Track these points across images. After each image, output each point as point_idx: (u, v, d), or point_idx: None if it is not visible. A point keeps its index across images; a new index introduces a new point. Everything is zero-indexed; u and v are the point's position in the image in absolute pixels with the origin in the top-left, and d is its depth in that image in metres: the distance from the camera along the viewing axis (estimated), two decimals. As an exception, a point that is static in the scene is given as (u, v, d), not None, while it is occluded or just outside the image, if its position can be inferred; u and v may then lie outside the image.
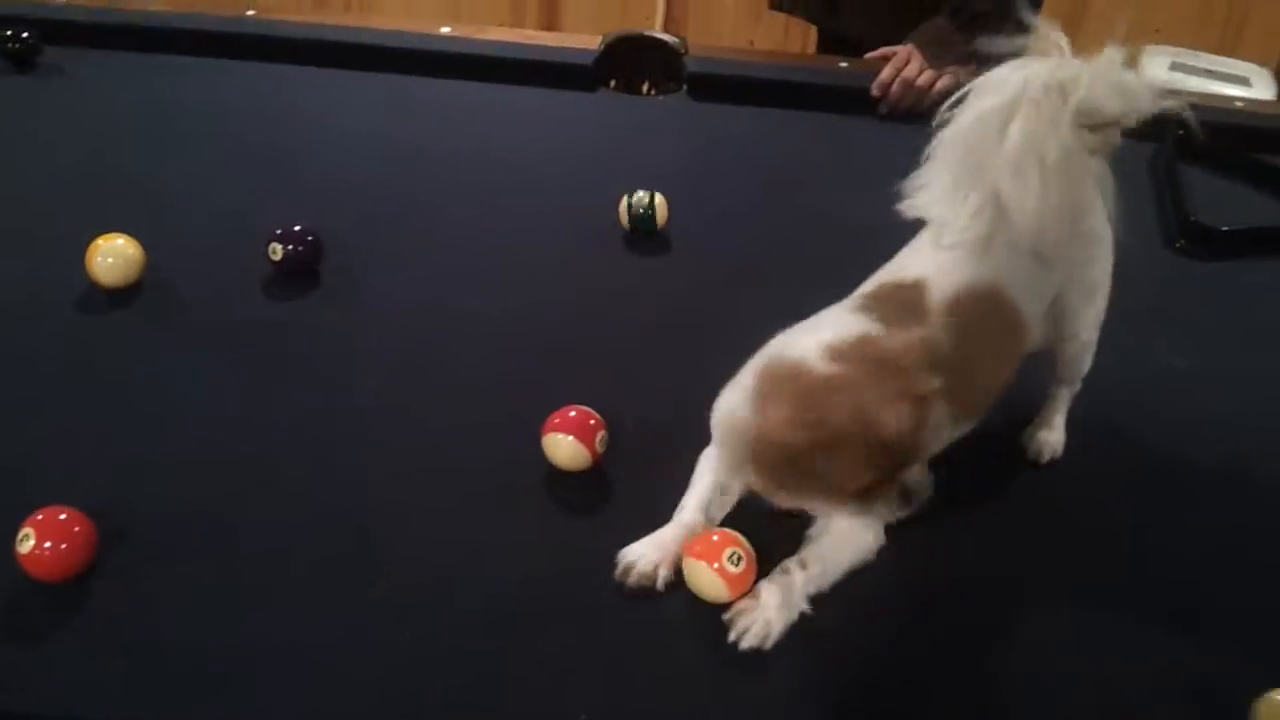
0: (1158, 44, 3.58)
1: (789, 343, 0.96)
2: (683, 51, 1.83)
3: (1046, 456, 1.16)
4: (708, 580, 0.95)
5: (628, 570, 0.98)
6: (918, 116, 1.74)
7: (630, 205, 1.46)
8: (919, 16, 1.88)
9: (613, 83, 1.84)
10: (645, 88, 1.85)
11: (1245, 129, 1.80)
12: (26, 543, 0.92)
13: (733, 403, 0.96)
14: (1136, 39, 3.69)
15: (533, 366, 1.25)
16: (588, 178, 1.62)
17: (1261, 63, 3.62)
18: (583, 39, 1.89)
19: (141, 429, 1.13)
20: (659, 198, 1.46)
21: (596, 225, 1.50)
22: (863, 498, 0.92)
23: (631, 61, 1.84)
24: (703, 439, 1.07)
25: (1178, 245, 1.53)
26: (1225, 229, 1.52)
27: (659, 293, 1.38)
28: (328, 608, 0.95)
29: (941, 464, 1.03)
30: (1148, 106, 1.02)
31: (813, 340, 0.93)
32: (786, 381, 0.91)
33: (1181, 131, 1.72)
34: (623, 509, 1.06)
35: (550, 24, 3.88)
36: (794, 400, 0.89)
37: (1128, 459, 1.19)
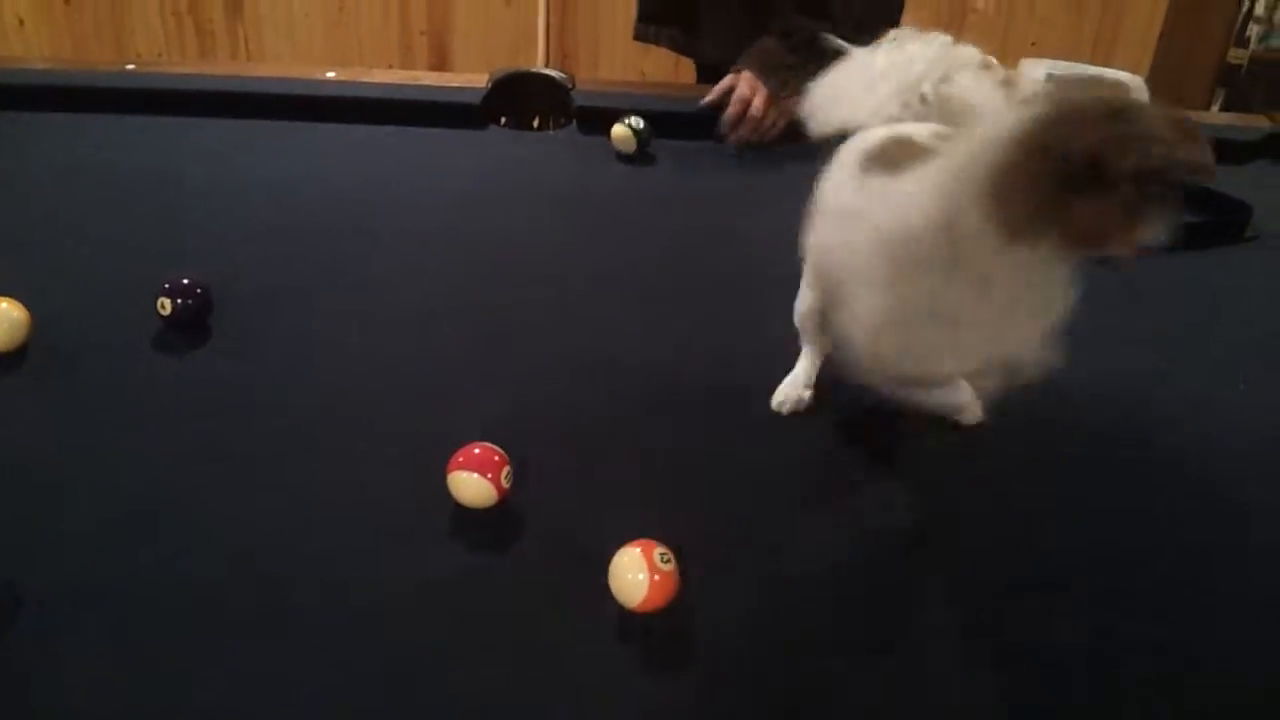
0: (1035, 57, 3.70)
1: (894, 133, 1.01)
2: (570, 86, 1.85)
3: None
4: (636, 580, 0.96)
5: (782, 404, 1.17)
6: (765, 147, 1.80)
7: (630, 124, 1.73)
8: None
9: (503, 119, 1.85)
10: (535, 123, 1.86)
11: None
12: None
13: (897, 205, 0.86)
14: (1014, 53, 3.83)
15: (435, 403, 1.25)
16: (481, 212, 1.63)
17: (1134, 70, 3.76)
18: (470, 78, 1.90)
19: (33, 497, 1.10)
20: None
21: (492, 258, 1.51)
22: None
23: (520, 98, 1.86)
24: (609, 467, 1.09)
25: None
26: None
27: (559, 323, 1.39)
28: (233, 664, 0.93)
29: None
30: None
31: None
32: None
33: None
34: (533, 543, 1.06)
35: (440, 65, 3.88)
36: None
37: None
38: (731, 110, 1.79)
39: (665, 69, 3.81)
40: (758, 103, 1.77)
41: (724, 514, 1.10)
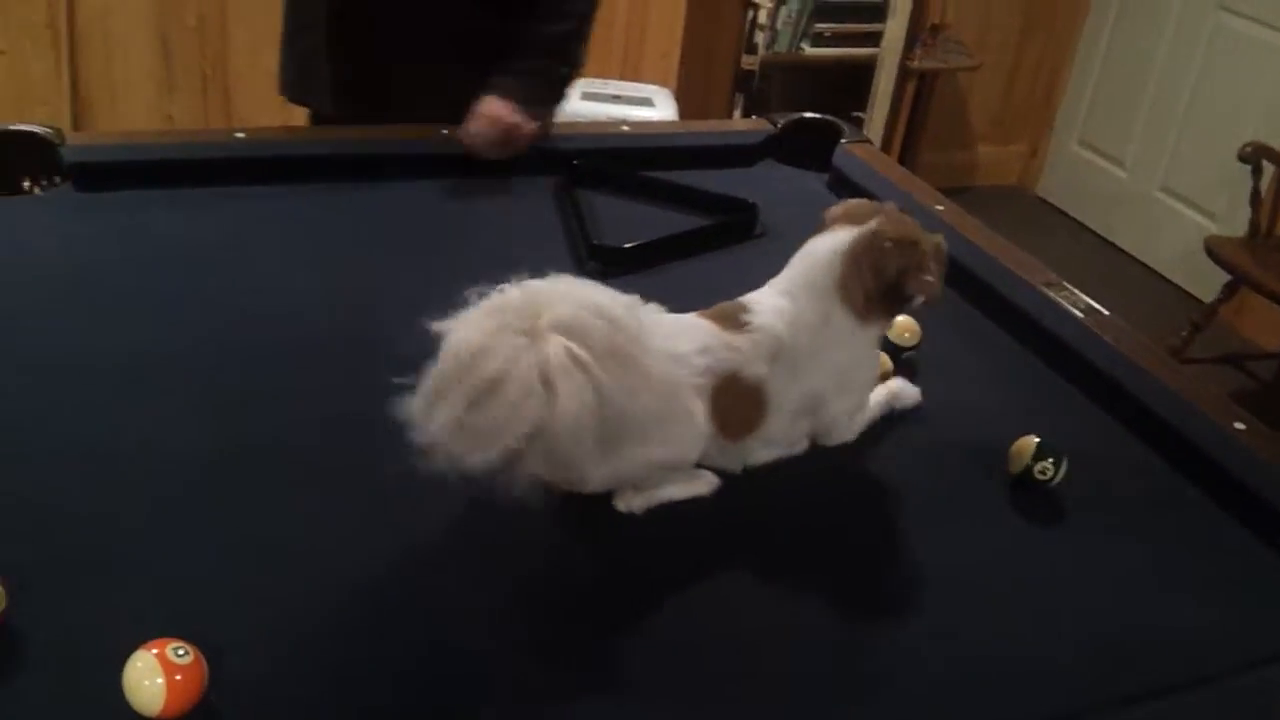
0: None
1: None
2: (58, 141, 1.67)
3: None
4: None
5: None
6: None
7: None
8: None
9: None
10: (26, 185, 1.67)
11: (632, 150, 1.97)
12: None
13: None
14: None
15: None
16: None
17: (662, 84, 3.98)
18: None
19: None
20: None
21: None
22: None
23: (2, 160, 1.65)
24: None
25: (588, 266, 1.62)
26: (626, 246, 1.64)
27: (72, 419, 1.23)
28: None
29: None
30: None
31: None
32: None
33: (575, 163, 1.84)
34: (34, 660, 0.93)
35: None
36: None
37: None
38: (481, 130, 1.83)
39: (194, 116, 3.61)
40: (505, 114, 1.82)
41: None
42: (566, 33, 1.96)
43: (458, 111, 1.85)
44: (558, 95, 1.98)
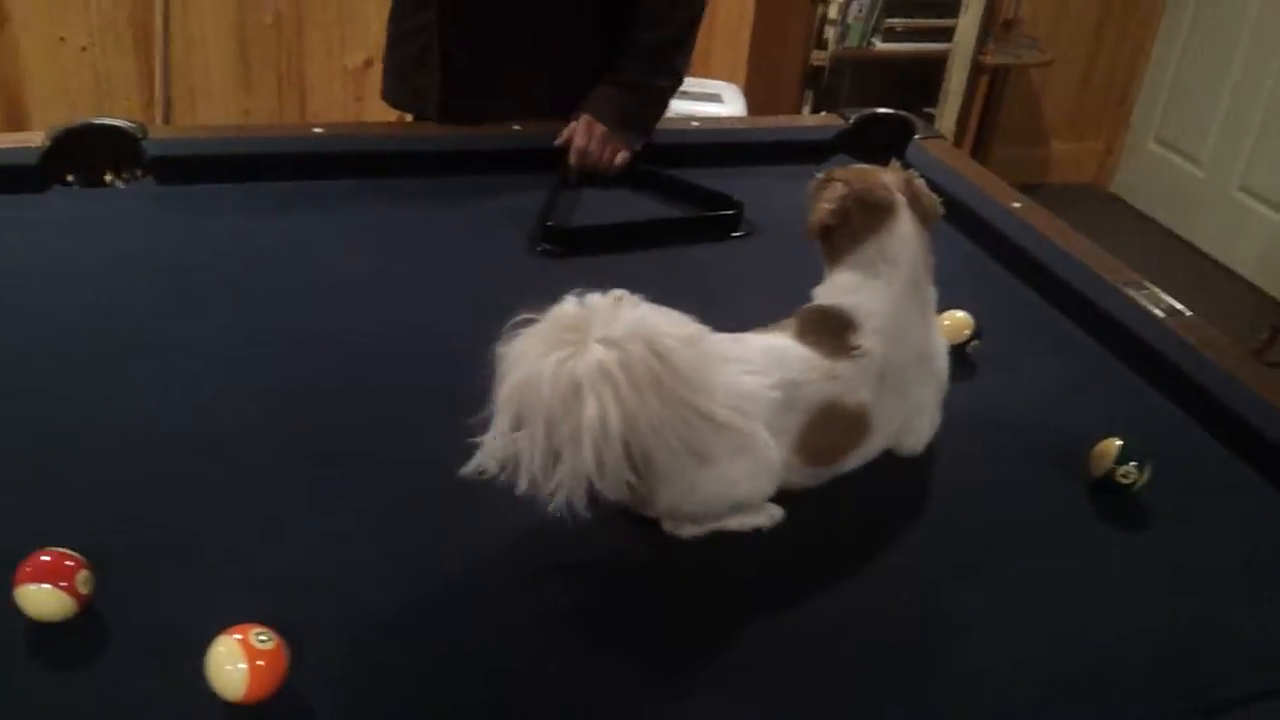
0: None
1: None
2: (140, 135, 1.70)
3: None
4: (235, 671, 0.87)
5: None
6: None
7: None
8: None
9: (70, 178, 1.68)
10: (109, 179, 1.71)
11: (702, 145, 1.98)
12: None
13: None
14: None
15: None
16: (54, 282, 1.46)
17: (730, 79, 3.96)
18: (23, 137, 1.71)
19: None
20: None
21: (68, 325, 1.35)
22: None
23: (87, 153, 1.69)
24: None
25: (539, 249, 1.65)
26: (575, 228, 1.69)
27: (157, 407, 1.26)
28: None
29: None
30: None
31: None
32: None
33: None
34: (120, 644, 0.95)
35: (14, 124, 3.52)
36: None
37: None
38: (572, 159, 1.84)
39: (269, 113, 3.66)
40: (594, 146, 1.83)
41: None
42: (669, 40, 1.92)
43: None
44: (657, 111, 1.94)
